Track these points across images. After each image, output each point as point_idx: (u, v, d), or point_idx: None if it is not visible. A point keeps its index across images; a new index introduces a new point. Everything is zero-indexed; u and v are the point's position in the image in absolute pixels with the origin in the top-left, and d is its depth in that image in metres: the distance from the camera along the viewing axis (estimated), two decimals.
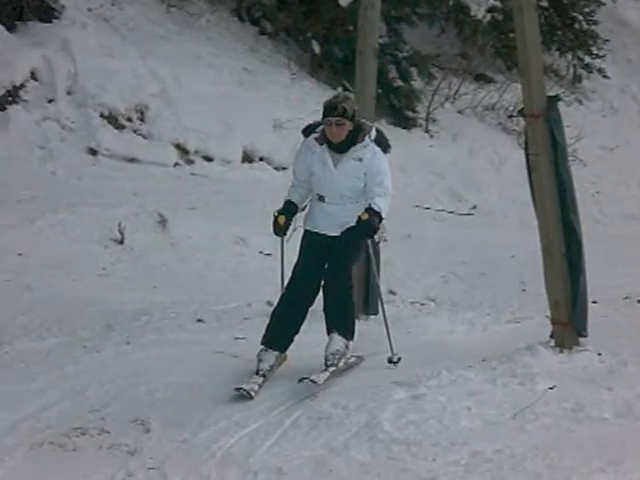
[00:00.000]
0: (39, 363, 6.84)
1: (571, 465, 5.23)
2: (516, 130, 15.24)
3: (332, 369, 6.48)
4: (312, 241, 6.69)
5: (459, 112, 15.84)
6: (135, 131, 12.96)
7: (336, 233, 6.63)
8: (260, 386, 6.36)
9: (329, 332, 6.64)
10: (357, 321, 8.47)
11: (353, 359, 6.87)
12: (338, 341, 6.59)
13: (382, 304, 7.20)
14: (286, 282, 6.76)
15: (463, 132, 15.25)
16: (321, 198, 6.67)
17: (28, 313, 7.95)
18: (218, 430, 5.81)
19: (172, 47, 14.17)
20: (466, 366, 6.65)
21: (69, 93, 12.86)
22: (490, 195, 13.94)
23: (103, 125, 12.71)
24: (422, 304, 9.11)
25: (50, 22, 13.55)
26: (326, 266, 6.65)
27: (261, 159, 13.15)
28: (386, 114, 14.64)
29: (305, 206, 6.84)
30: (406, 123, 15.05)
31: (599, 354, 6.94)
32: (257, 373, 6.47)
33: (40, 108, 12.60)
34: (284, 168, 12.65)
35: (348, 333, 6.67)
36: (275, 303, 6.74)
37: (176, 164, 12.80)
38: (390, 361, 6.86)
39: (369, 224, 6.47)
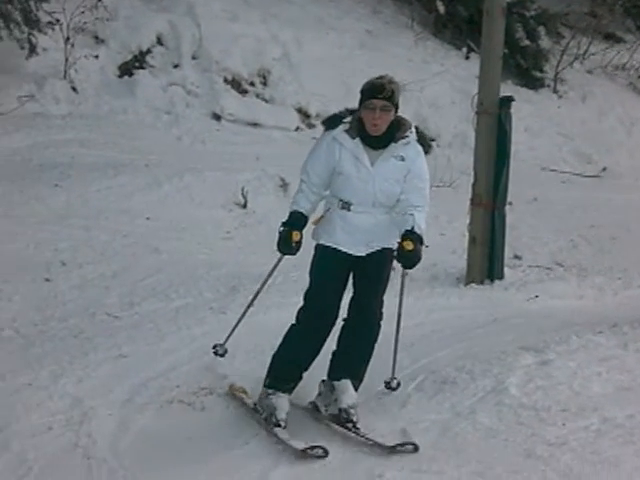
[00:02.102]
0: (167, 324, 6.97)
1: None
2: None
3: (356, 421, 5.31)
4: (332, 261, 5.40)
5: (588, 72, 15.43)
6: (257, 95, 13.04)
7: (361, 252, 5.39)
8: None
9: (337, 377, 5.43)
10: (482, 286, 8.44)
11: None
12: (353, 393, 5.40)
13: (398, 325, 5.78)
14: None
15: (592, 92, 14.85)
16: (346, 206, 5.37)
17: (156, 275, 8.10)
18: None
19: (294, 10, 14.17)
20: (596, 331, 6.48)
21: (194, 58, 13.02)
22: (620, 157, 13.55)
23: (226, 90, 12.82)
24: (549, 269, 8.92)
25: None
26: (350, 297, 5.46)
27: None
28: (513, 74, 14.35)
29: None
30: (533, 83, 14.77)
31: None
32: (279, 425, 5.28)
33: (166, 73, 12.79)
34: None
35: (359, 384, 5.50)
36: (284, 335, 5.51)
37: (298, 128, 12.82)
38: (388, 386, 5.80)
39: (415, 256, 5.28)
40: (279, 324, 6.96)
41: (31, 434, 5.16)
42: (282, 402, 5.37)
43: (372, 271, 5.41)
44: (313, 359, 5.44)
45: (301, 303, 5.45)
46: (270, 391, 5.41)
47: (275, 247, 5.40)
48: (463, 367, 6.03)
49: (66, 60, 12.28)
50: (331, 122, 5.44)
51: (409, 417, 5.50)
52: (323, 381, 5.57)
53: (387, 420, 5.44)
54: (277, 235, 5.38)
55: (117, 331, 6.81)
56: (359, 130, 5.32)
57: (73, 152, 10.70)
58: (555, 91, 14.87)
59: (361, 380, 5.52)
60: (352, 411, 5.31)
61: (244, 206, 10.11)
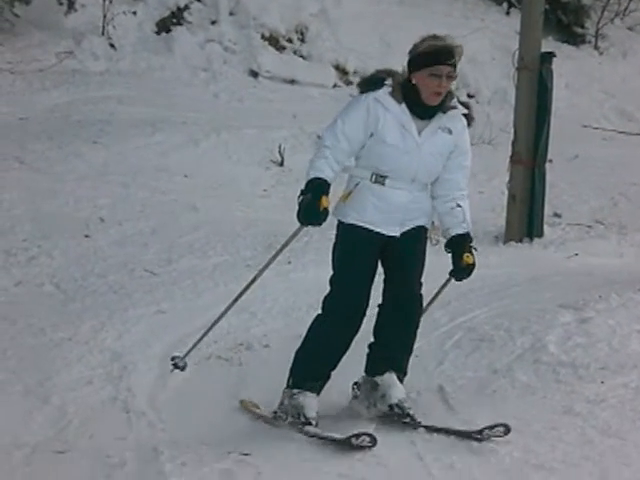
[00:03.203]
0: (205, 280, 7.00)
1: None
2: None
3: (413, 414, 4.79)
4: (363, 243, 4.81)
5: (629, 28, 15.20)
6: (295, 52, 12.98)
7: (396, 233, 4.82)
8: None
9: (380, 371, 4.86)
10: (521, 244, 8.38)
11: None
12: (401, 386, 4.89)
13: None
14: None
15: (634, 49, 14.63)
16: (380, 180, 4.76)
17: (193, 232, 8.13)
18: None
19: None
20: (636, 290, 6.42)
21: (231, 14, 12.96)
22: None
23: (264, 46, 12.77)
24: (589, 227, 8.84)
25: None
26: (383, 282, 4.89)
27: None
28: (553, 30, 14.16)
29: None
30: (574, 39, 14.61)
31: None
32: (310, 424, 4.74)
33: (203, 30, 12.76)
34: None
35: (404, 378, 4.95)
36: (309, 328, 4.93)
37: (335, 85, 12.75)
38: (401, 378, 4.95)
39: (472, 269, 4.89)
40: (316, 282, 6.98)
41: (71, 388, 5.22)
42: (310, 401, 4.79)
43: (409, 251, 4.85)
44: (343, 354, 4.85)
45: (327, 290, 4.86)
46: (296, 391, 4.81)
47: (298, 218, 4.72)
48: (501, 325, 6.00)
49: (104, 16, 12.29)
50: (371, 83, 4.80)
51: (446, 375, 5.49)
52: (356, 383, 5.01)
53: (424, 377, 5.44)
54: (298, 204, 4.70)
55: (155, 287, 6.85)
56: (405, 95, 4.72)
57: (111, 109, 10.73)
58: (596, 47, 14.68)
59: (405, 373, 4.93)
60: (406, 405, 4.77)
61: (281, 164, 10.09)
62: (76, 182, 8.91)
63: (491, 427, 4.54)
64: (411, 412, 4.74)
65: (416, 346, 5.74)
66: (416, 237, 4.86)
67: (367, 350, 4.94)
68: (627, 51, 14.68)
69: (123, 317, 6.23)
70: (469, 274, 4.92)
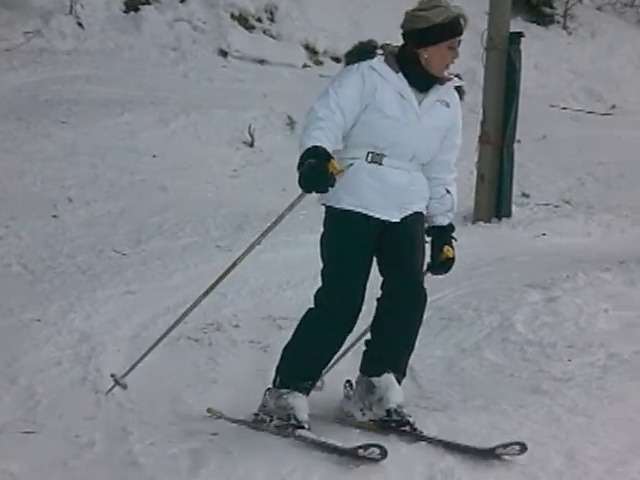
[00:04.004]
0: (174, 261, 6.99)
1: None
2: None
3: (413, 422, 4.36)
4: (359, 230, 4.37)
5: (598, 8, 15.27)
6: (264, 32, 12.93)
7: (395, 218, 4.39)
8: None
9: (377, 372, 4.42)
10: (489, 224, 8.42)
11: None
12: (400, 388, 4.46)
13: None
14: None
15: (602, 29, 14.70)
16: (377, 158, 4.34)
17: (163, 213, 8.11)
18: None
19: None
20: (603, 268, 6.47)
21: None
22: (630, 94, 13.44)
23: (233, 26, 12.72)
24: (557, 206, 8.90)
25: None
26: (382, 273, 4.46)
27: None
28: (522, 11, 14.18)
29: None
30: (543, 20, 14.67)
31: None
32: (302, 427, 4.30)
33: (172, 9, 12.68)
34: None
35: (402, 379, 4.53)
36: (299, 323, 4.51)
37: (305, 65, 12.72)
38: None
39: (452, 264, 4.60)
40: (286, 263, 7.01)
41: (40, 368, 5.20)
42: (301, 402, 4.37)
43: (410, 240, 4.42)
44: (336, 352, 4.49)
45: (319, 284, 4.45)
46: (284, 391, 4.40)
47: (301, 184, 4.25)
48: (469, 304, 6.04)
49: None
50: (362, 52, 4.39)
51: (415, 354, 5.44)
52: (348, 382, 4.67)
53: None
54: (301, 170, 4.21)
55: (125, 268, 6.83)
56: (401, 64, 4.36)
57: (79, 88, 10.66)
58: (565, 27, 14.73)
59: (404, 374, 4.53)
60: (405, 411, 4.35)
61: (251, 144, 10.08)
62: (44, 162, 8.86)
63: (505, 445, 4.09)
64: (411, 420, 4.32)
65: None
66: (416, 224, 4.45)
67: (364, 347, 4.53)
68: (596, 31, 14.73)
69: (92, 298, 6.21)
70: (447, 270, 4.60)
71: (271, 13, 13.11)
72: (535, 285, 6.20)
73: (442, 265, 4.58)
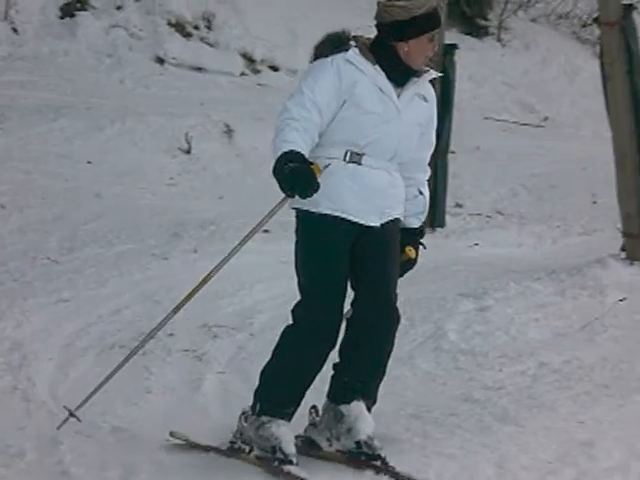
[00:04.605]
0: (109, 269, 6.93)
1: None
2: (590, 39, 14.84)
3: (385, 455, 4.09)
4: (338, 236, 4.06)
5: (532, 20, 15.48)
6: (202, 39, 12.90)
7: (376, 222, 4.09)
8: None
9: (347, 399, 4.13)
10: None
11: None
12: (370, 418, 4.16)
13: None
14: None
15: (536, 41, 14.92)
16: (356, 158, 4.05)
17: (97, 220, 8.04)
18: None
19: None
20: (534, 278, 6.57)
21: (137, 0, 12.81)
22: (562, 106, 13.66)
23: (170, 33, 12.68)
24: (489, 217, 9.02)
25: None
26: (357, 291, 4.15)
27: None
28: (457, 22, 14.32)
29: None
30: (477, 31, 14.81)
31: None
32: (291, 462, 4.01)
33: (108, 15, 12.60)
34: None
35: (372, 406, 4.23)
36: (277, 343, 4.18)
37: (242, 74, 12.73)
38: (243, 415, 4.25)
39: (412, 265, 4.36)
40: (222, 270, 6.97)
41: None
42: (285, 432, 4.04)
43: (386, 251, 4.11)
44: (318, 371, 4.14)
45: (298, 298, 4.14)
46: (265, 419, 4.06)
47: (283, 187, 3.94)
48: (403, 313, 5.95)
49: (6, 0, 12.02)
50: (335, 44, 4.09)
51: None
52: (314, 407, 4.29)
53: (326, 365, 5.49)
54: (282, 174, 3.90)
55: (58, 276, 6.76)
56: (377, 56, 4.07)
57: (13, 94, 10.53)
58: (499, 40, 14.90)
59: (375, 401, 4.21)
60: (377, 443, 4.06)
61: (188, 152, 10.05)
62: None
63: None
64: (382, 454, 4.04)
65: None
66: (394, 233, 4.15)
67: (332, 371, 4.20)
68: (529, 43, 14.94)
69: (23, 306, 6.13)
70: (404, 272, 4.30)
71: (209, 21, 13.09)
72: (467, 294, 6.28)
73: (402, 265, 4.26)
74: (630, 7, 7.07)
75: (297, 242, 4.16)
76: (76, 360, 5.45)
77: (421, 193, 4.28)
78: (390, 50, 4.07)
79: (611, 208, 7.35)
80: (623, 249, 6.99)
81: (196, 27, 12.99)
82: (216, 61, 12.64)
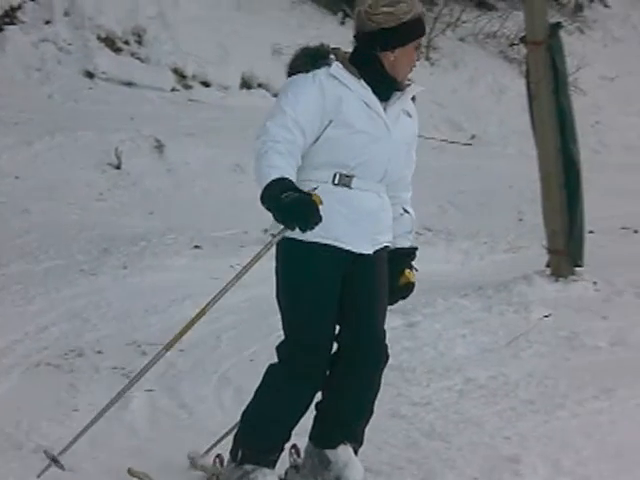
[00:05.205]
0: (36, 285, 6.86)
1: (565, 392, 5.27)
2: (517, 58, 15.07)
3: None
4: (328, 265, 3.75)
5: (460, 40, 15.66)
6: (132, 54, 12.82)
7: (368, 250, 3.80)
8: None
9: (332, 443, 3.88)
10: None
11: None
12: (359, 463, 3.90)
13: None
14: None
15: (464, 60, 15.11)
16: (346, 181, 3.75)
17: (25, 236, 7.95)
18: (213, 353, 5.83)
19: None
20: (462, 294, 6.67)
21: (66, 14, 12.69)
22: (490, 125, 13.85)
23: (100, 48, 12.57)
24: (418, 233, 9.10)
25: None
26: (342, 325, 3.84)
27: (259, 85, 13.03)
28: None
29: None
30: None
31: (594, 283, 6.97)
32: None
33: (37, 29, 12.45)
34: None
35: (359, 448, 3.99)
36: (261, 384, 3.90)
37: (173, 89, 12.68)
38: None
39: (412, 288, 4.07)
40: (152, 288, 6.96)
41: None
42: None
43: (377, 280, 3.83)
44: (304, 414, 3.85)
45: (282, 337, 3.85)
46: (249, 468, 3.76)
47: (283, 219, 3.57)
48: None
49: None
50: (316, 57, 3.75)
51: None
52: (294, 447, 4.06)
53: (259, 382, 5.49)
54: (276, 204, 3.52)
55: None
56: (361, 70, 3.76)
57: None
58: (427, 59, 15.04)
59: (361, 443, 3.95)
60: None
61: (118, 167, 9.98)
62: None
63: None
64: None
65: (251, 350, 5.82)
66: (383, 262, 3.84)
67: (314, 411, 3.91)
68: (458, 62, 15.12)
69: None
70: (406, 296, 4.05)
71: (139, 36, 13.02)
72: (396, 310, 6.22)
73: (401, 290, 4.00)
74: (557, 25, 7.15)
75: (281, 272, 3.82)
76: (0, 378, 5.37)
77: (406, 211, 4.05)
78: (374, 61, 3.78)
79: (537, 225, 7.48)
80: (548, 265, 7.13)
81: (126, 42, 12.91)
82: (147, 76, 12.57)
